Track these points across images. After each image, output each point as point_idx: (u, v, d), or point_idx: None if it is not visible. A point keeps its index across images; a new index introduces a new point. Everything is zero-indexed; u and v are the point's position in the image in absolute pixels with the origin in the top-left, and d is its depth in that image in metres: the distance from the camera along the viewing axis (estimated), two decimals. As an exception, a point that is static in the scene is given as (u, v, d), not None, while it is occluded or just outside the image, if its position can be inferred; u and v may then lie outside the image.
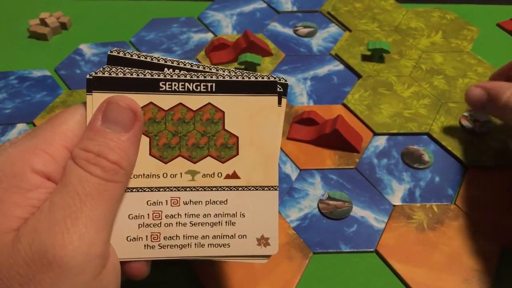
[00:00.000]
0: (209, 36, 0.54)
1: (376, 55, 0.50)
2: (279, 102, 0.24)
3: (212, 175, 0.24)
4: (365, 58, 0.51)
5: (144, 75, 0.23)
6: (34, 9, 0.58)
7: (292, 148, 0.42)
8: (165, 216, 0.23)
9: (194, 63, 0.24)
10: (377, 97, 0.46)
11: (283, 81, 0.24)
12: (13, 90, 0.48)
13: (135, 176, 0.23)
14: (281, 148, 0.42)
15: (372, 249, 0.35)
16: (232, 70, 0.24)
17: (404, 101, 0.46)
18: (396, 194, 0.38)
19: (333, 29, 0.55)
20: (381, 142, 0.42)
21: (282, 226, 0.36)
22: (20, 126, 0.44)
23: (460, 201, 0.38)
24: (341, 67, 0.50)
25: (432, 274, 0.33)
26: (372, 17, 0.57)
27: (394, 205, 0.38)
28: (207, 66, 0.24)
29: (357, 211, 0.37)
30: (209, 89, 0.23)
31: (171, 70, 0.23)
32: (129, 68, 0.23)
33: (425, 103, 0.46)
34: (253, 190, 0.24)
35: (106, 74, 0.22)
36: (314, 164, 0.41)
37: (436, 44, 0.53)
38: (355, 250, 0.35)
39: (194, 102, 0.23)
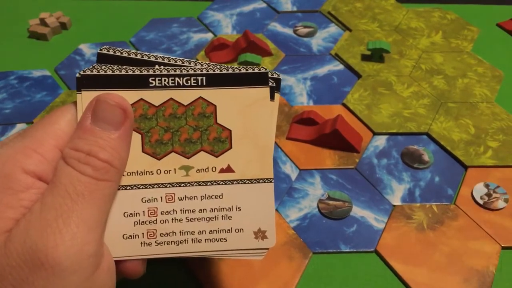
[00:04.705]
0: (209, 36, 0.54)
1: (376, 55, 0.50)
2: (272, 97, 0.24)
3: (206, 170, 0.24)
4: (365, 58, 0.51)
5: (133, 71, 0.22)
6: (34, 9, 0.58)
7: (292, 148, 0.42)
8: (161, 213, 0.23)
9: (186, 59, 0.24)
10: (377, 97, 0.46)
11: (276, 76, 0.24)
12: (13, 90, 0.48)
13: (129, 174, 0.23)
14: (281, 148, 0.42)
15: (372, 249, 0.35)
16: (224, 66, 0.24)
17: (403, 101, 0.46)
18: (396, 194, 0.38)
19: (333, 29, 0.55)
20: (381, 142, 0.42)
21: (282, 226, 0.36)
22: (20, 126, 0.44)
23: (460, 201, 0.38)
24: (341, 67, 0.50)
25: (432, 274, 0.33)
26: (372, 17, 0.57)
27: (394, 205, 0.38)
28: (198, 62, 0.24)
29: (357, 211, 0.37)
30: (199, 83, 0.23)
31: (162, 66, 0.23)
32: (119, 66, 0.22)
33: (424, 103, 0.46)
34: (248, 183, 0.24)
35: (95, 72, 0.22)
36: (314, 164, 0.41)
37: (436, 44, 0.53)
38: (355, 250, 0.35)
39: (185, 96, 0.23)
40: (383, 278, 0.34)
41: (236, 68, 0.23)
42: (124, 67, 0.22)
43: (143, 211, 0.23)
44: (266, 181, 0.24)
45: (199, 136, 0.23)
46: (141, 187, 0.23)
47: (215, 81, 0.23)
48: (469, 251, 0.35)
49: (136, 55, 0.23)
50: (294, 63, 0.51)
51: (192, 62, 0.23)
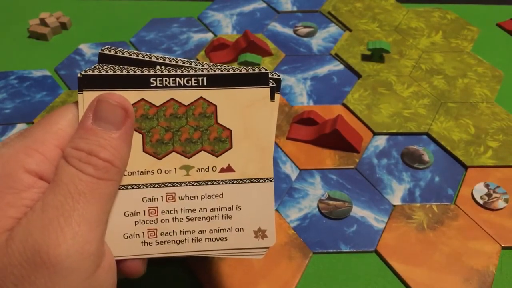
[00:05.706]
0: (209, 36, 0.54)
1: (376, 55, 0.50)
2: (272, 97, 0.24)
3: (207, 169, 0.24)
4: (365, 57, 0.51)
5: (135, 71, 0.23)
6: (34, 9, 0.58)
7: (292, 148, 0.42)
8: (161, 212, 0.23)
9: (186, 59, 0.24)
10: (377, 97, 0.46)
11: (276, 76, 0.24)
12: (13, 90, 0.48)
13: (130, 173, 0.23)
14: (281, 148, 0.42)
15: (372, 249, 0.35)
16: (224, 66, 0.24)
17: (403, 101, 0.46)
18: (396, 194, 0.38)
19: (333, 29, 0.55)
20: (381, 142, 0.42)
21: (282, 226, 0.36)
22: (20, 126, 0.44)
23: (460, 201, 0.38)
24: (341, 67, 0.50)
25: (432, 274, 0.33)
26: (372, 16, 0.57)
27: (394, 205, 0.38)
28: (199, 62, 0.24)
29: (357, 211, 0.37)
30: (200, 83, 0.23)
31: (162, 67, 0.23)
32: (120, 66, 0.23)
33: (424, 103, 0.46)
34: (248, 182, 0.24)
35: (96, 72, 0.22)
36: (314, 164, 0.41)
37: (436, 44, 0.53)
38: (355, 250, 0.35)
39: (186, 96, 0.23)
40: (383, 278, 0.34)
41: (236, 68, 0.24)
42: (126, 67, 0.23)
43: (144, 211, 0.23)
44: (266, 181, 0.24)
45: (200, 136, 0.24)
46: (141, 187, 0.23)
47: (215, 81, 0.23)
48: (469, 251, 0.35)
49: (137, 56, 0.23)
50: (294, 63, 0.51)
51: (193, 63, 0.24)
